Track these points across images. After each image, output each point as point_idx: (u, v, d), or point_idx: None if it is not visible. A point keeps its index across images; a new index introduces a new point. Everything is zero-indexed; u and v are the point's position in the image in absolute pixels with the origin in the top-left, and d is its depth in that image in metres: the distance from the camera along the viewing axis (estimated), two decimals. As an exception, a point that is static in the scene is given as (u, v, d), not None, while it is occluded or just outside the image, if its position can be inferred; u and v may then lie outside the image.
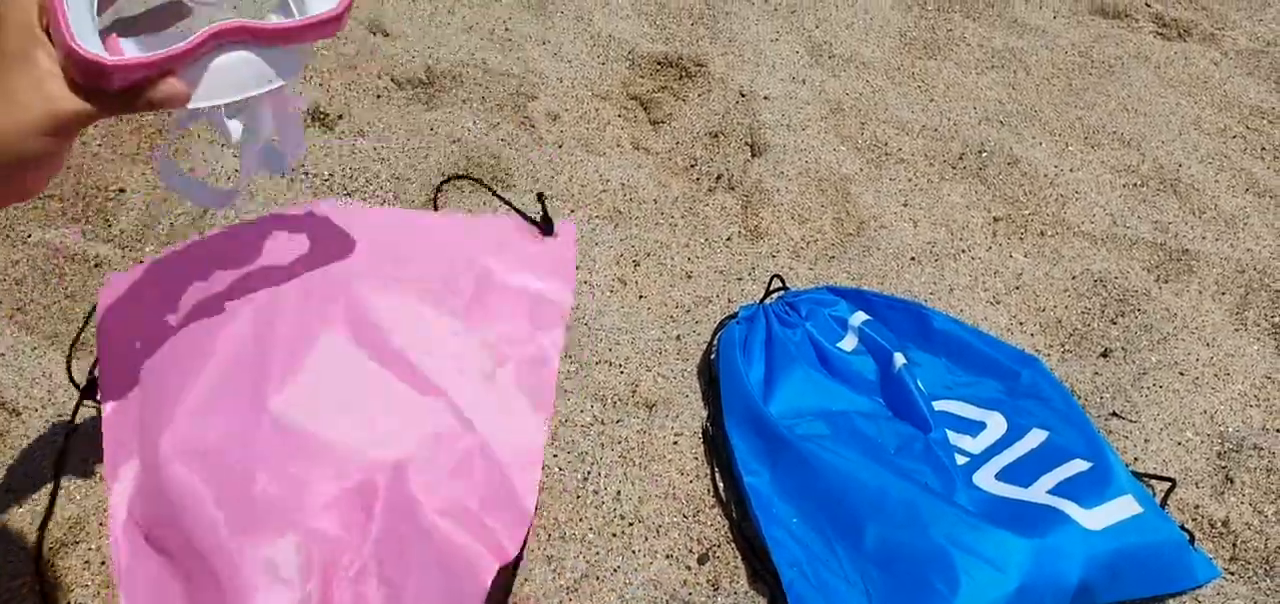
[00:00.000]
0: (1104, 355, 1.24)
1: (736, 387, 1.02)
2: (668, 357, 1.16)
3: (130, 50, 0.63)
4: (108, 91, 0.59)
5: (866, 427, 0.98)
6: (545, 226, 1.15)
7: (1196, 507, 1.03)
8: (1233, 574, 0.97)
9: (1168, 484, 1.03)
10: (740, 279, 1.28)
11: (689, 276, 1.29)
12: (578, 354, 1.14)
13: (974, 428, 1.01)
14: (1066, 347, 1.27)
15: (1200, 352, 1.22)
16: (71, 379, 0.94)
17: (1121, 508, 0.90)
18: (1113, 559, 0.87)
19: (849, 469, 0.92)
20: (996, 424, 1.01)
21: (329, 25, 0.69)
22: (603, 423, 1.05)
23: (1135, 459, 1.07)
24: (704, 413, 1.09)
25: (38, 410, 0.99)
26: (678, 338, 1.19)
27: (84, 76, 0.58)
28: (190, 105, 0.64)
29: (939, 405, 1.03)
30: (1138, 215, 1.50)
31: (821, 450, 0.94)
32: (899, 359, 1.03)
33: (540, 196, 1.17)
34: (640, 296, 1.26)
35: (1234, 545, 0.99)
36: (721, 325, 1.17)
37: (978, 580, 0.83)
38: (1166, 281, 1.37)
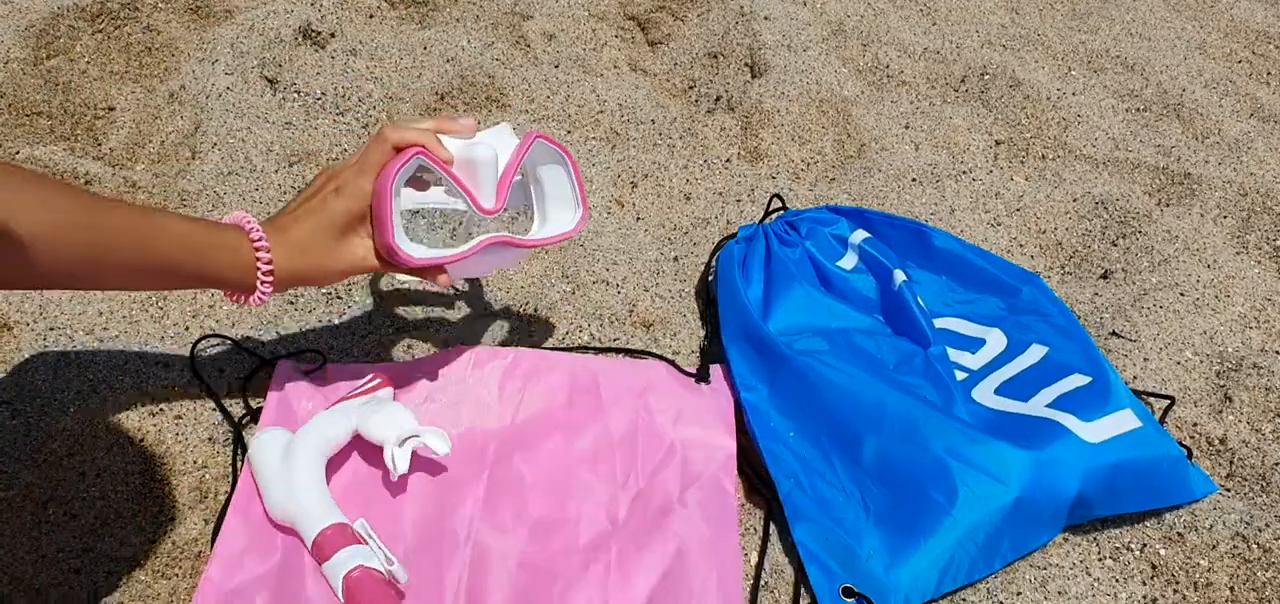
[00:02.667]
0: (1104, 277, 1.23)
1: (734, 304, 1.01)
2: (665, 278, 1.15)
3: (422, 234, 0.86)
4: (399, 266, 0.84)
5: (866, 343, 0.98)
6: (700, 376, 1.01)
7: (1194, 424, 1.03)
8: (1229, 490, 0.97)
9: (1166, 402, 1.03)
10: (739, 201, 1.27)
11: (687, 198, 1.28)
12: (574, 274, 1.13)
13: (973, 344, 1.01)
14: (1066, 268, 1.26)
15: (1201, 273, 1.22)
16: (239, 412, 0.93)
17: (1120, 422, 0.90)
18: (1111, 473, 0.87)
19: (847, 383, 0.92)
20: (996, 340, 1.01)
21: (568, 235, 0.91)
22: (600, 342, 1.05)
23: (1134, 378, 1.07)
24: (702, 333, 1.08)
25: (30, 325, 0.98)
26: (675, 259, 1.18)
27: (390, 257, 0.83)
28: (449, 279, 0.87)
29: (939, 322, 1.03)
30: (1140, 139, 1.49)
31: (820, 365, 0.94)
32: (899, 276, 1.03)
33: (703, 351, 1.07)
34: (638, 218, 1.25)
35: (1231, 462, 1.00)
36: (720, 245, 1.16)
37: (976, 492, 0.84)
38: (1168, 205, 1.36)
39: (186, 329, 1.02)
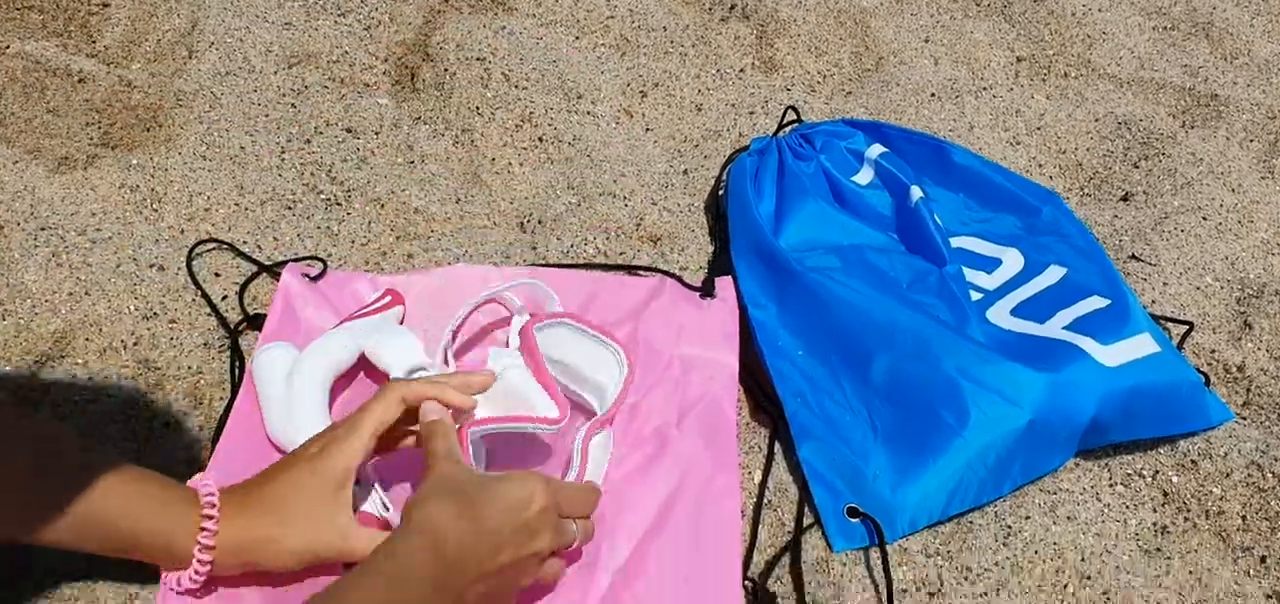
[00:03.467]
0: (1124, 199, 1.20)
1: (745, 219, 0.98)
2: (674, 191, 1.12)
3: None
4: None
5: (879, 261, 0.95)
6: (706, 289, 0.97)
7: (1212, 351, 1.00)
8: (1245, 418, 0.95)
9: (1185, 327, 1.00)
10: (752, 113, 1.23)
11: (699, 109, 1.24)
12: (581, 186, 1.10)
13: (990, 264, 0.98)
14: (1086, 190, 1.22)
15: (1224, 197, 1.18)
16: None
17: (1139, 346, 0.88)
18: (1127, 397, 0.85)
19: (859, 302, 0.90)
20: (1013, 260, 0.98)
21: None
22: (606, 256, 1.02)
23: (1153, 302, 1.04)
24: (710, 249, 1.05)
25: (20, 224, 0.96)
26: (685, 172, 1.15)
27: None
28: None
29: (955, 242, 1.00)
30: (1167, 58, 1.44)
31: (831, 283, 0.91)
32: (916, 192, 0.99)
33: (710, 264, 1.03)
34: (647, 129, 1.21)
35: (1248, 390, 0.97)
36: (732, 158, 1.12)
37: (989, 413, 0.82)
38: (1193, 127, 1.31)
39: (182, 232, 0.99)
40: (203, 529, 0.65)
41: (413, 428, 0.75)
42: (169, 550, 0.65)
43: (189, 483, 0.68)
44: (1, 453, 0.61)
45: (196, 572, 0.65)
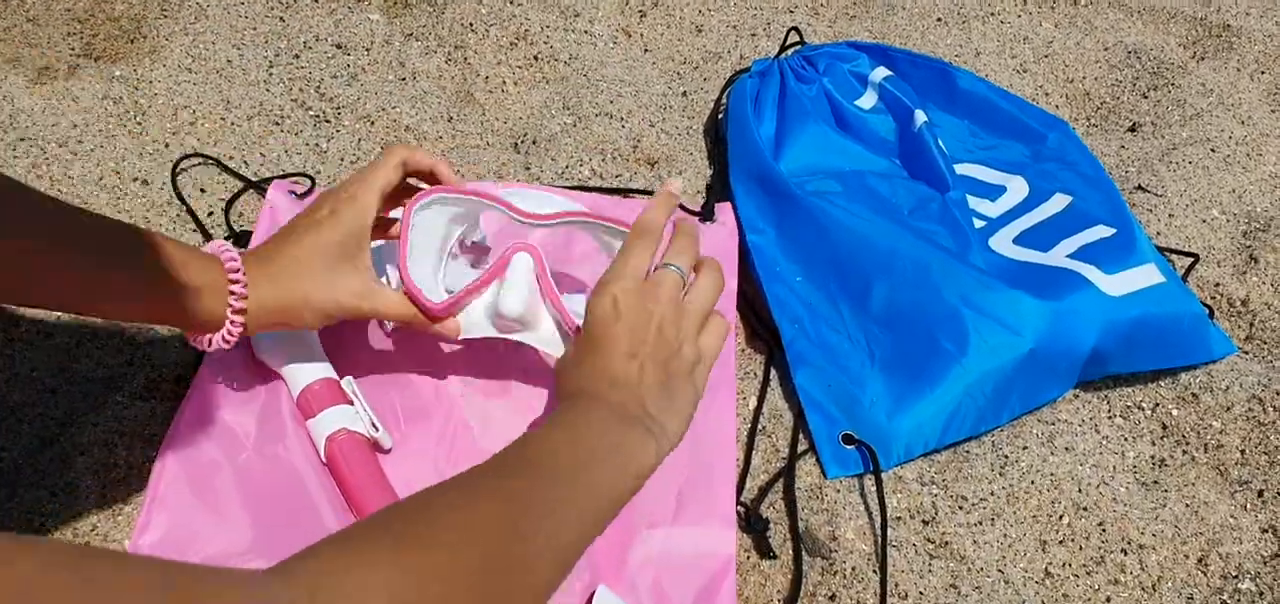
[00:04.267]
0: (1132, 130, 1.17)
1: (745, 142, 0.96)
2: (672, 113, 1.09)
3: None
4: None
5: (880, 186, 0.93)
6: (705, 213, 0.95)
7: (1217, 284, 0.99)
8: (1247, 353, 0.94)
9: (1190, 260, 0.99)
10: (754, 35, 1.20)
11: (699, 30, 1.21)
12: (577, 106, 1.07)
13: (993, 192, 0.96)
14: (1093, 120, 1.20)
15: (1234, 129, 1.16)
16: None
17: (1143, 276, 0.86)
18: (1130, 327, 0.84)
19: (859, 227, 0.88)
20: (1017, 188, 0.96)
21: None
22: (602, 178, 1.00)
23: (1158, 234, 1.02)
24: (709, 173, 1.03)
25: None
26: (684, 94, 1.12)
27: (407, 293, 0.72)
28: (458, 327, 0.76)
29: (959, 168, 0.97)
30: (1179, -13, 1.40)
31: (831, 208, 0.89)
32: (920, 117, 0.97)
33: (709, 188, 1.00)
34: (645, 50, 1.18)
35: (1251, 324, 0.96)
36: (732, 80, 1.09)
37: (989, 341, 0.80)
38: (1203, 58, 1.28)
39: (166, 145, 0.97)
40: (232, 291, 0.65)
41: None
42: (198, 314, 0.65)
43: (205, 249, 0.67)
44: (22, 216, 0.59)
45: (230, 333, 0.66)
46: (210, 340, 0.67)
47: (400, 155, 0.72)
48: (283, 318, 0.69)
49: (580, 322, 0.75)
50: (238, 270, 0.66)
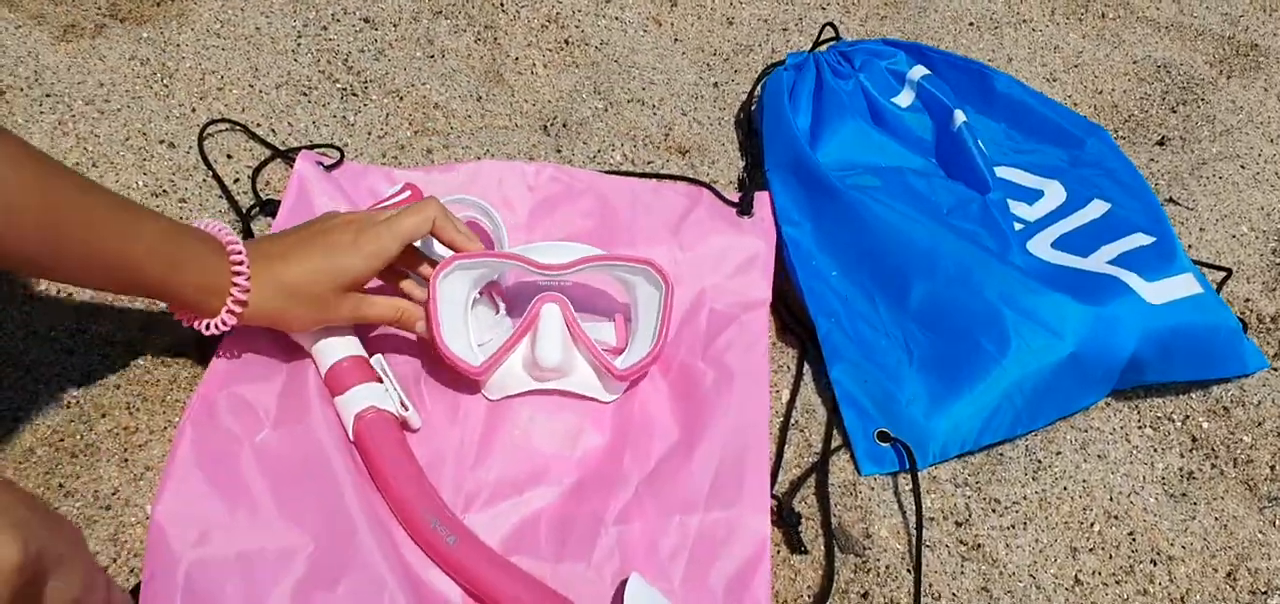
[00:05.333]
0: (1160, 144, 1.17)
1: (782, 133, 0.95)
2: (704, 103, 1.08)
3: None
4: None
5: (919, 184, 0.92)
6: (743, 207, 0.94)
7: (1247, 300, 0.98)
8: (1278, 369, 0.93)
9: (1223, 274, 0.98)
10: (785, 29, 1.19)
11: (730, 22, 1.20)
12: (608, 92, 1.06)
13: (1031, 196, 0.95)
14: (1121, 132, 1.19)
15: (1263, 147, 1.15)
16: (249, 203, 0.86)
17: (1182, 285, 0.85)
18: (1168, 336, 0.83)
19: (899, 223, 0.87)
20: (1055, 192, 0.95)
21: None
22: (633, 163, 0.99)
23: (1190, 247, 1.02)
24: (741, 164, 1.02)
25: (24, 90, 0.92)
26: (715, 85, 1.11)
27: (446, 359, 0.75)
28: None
29: (996, 172, 0.96)
30: (1206, 5, 1.40)
31: (871, 201, 0.88)
32: (959, 117, 0.96)
33: (743, 181, 0.98)
34: (675, 40, 1.17)
35: (1281, 341, 0.96)
36: (766, 72, 1.08)
37: (1030, 343, 0.79)
38: (1232, 76, 1.28)
39: (193, 110, 0.95)
40: (234, 285, 0.66)
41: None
42: (195, 305, 0.66)
43: (211, 229, 0.67)
44: (29, 187, 0.58)
45: (223, 323, 0.67)
46: (204, 323, 0.67)
47: (434, 213, 0.73)
48: (271, 324, 0.71)
49: (615, 361, 0.78)
50: (241, 267, 0.66)
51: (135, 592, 0.62)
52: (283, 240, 0.70)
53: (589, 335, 0.77)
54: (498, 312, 0.82)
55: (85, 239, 0.60)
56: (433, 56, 1.07)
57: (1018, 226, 0.92)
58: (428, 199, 0.74)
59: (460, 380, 0.78)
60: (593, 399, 0.78)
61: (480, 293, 0.80)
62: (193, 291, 0.65)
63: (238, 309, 0.66)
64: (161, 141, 0.91)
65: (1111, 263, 0.86)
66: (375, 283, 0.77)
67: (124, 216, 0.62)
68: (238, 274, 0.66)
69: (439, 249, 0.79)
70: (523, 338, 0.77)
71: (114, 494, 0.69)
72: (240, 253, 0.66)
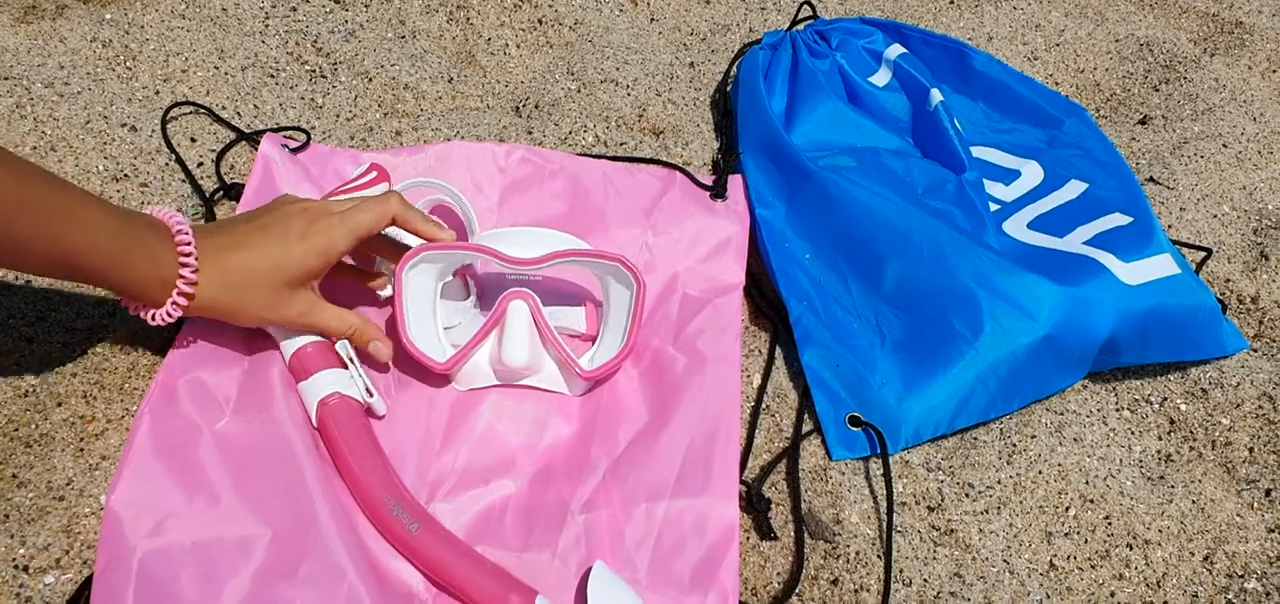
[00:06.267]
0: (1142, 122, 1.16)
1: (756, 114, 0.93)
2: (679, 84, 1.07)
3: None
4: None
5: (895, 164, 0.91)
6: (717, 190, 0.92)
7: (1227, 280, 0.97)
8: (1257, 350, 0.93)
9: (1202, 254, 0.97)
10: (763, 9, 1.18)
11: (706, 1, 1.18)
12: (581, 72, 1.04)
13: (1007, 175, 0.94)
14: (1102, 111, 1.18)
15: (1246, 126, 1.14)
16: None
17: (1160, 266, 0.84)
18: (1145, 317, 0.82)
19: (873, 204, 0.85)
20: (1032, 173, 0.94)
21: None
22: (606, 145, 0.97)
23: (1170, 227, 1.01)
24: (715, 145, 1.01)
25: None
26: (691, 65, 1.09)
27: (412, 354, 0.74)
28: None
29: (973, 152, 0.95)
30: (1191, -17, 1.38)
31: (845, 182, 0.87)
32: (936, 96, 0.95)
33: (717, 163, 0.97)
34: (651, 19, 1.15)
35: (1261, 322, 0.95)
36: (742, 52, 1.07)
37: (1004, 325, 0.78)
38: (1215, 54, 1.27)
39: (157, 93, 0.93)
40: (180, 276, 0.64)
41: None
42: (139, 293, 0.64)
43: (160, 215, 0.65)
44: None
45: (169, 314, 0.64)
46: (150, 313, 0.65)
47: (393, 208, 0.71)
48: (220, 317, 0.68)
49: (582, 360, 0.77)
50: (189, 257, 0.64)
51: (87, 583, 0.61)
52: (234, 229, 0.68)
53: (557, 327, 0.76)
54: (468, 294, 0.80)
55: (19, 229, 0.58)
56: (404, 37, 1.05)
57: (994, 207, 0.91)
58: (387, 193, 0.72)
59: (426, 368, 0.77)
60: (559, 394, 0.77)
61: (452, 274, 0.79)
62: (139, 282, 0.63)
63: (183, 302, 0.64)
64: (123, 125, 0.89)
65: (1088, 243, 0.85)
66: (354, 260, 0.76)
67: (65, 204, 0.60)
68: (185, 265, 0.64)
69: (407, 238, 0.78)
70: (489, 335, 0.75)
71: (68, 484, 0.68)
72: (188, 241, 0.64)
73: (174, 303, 0.64)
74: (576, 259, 0.75)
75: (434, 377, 0.77)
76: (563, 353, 0.75)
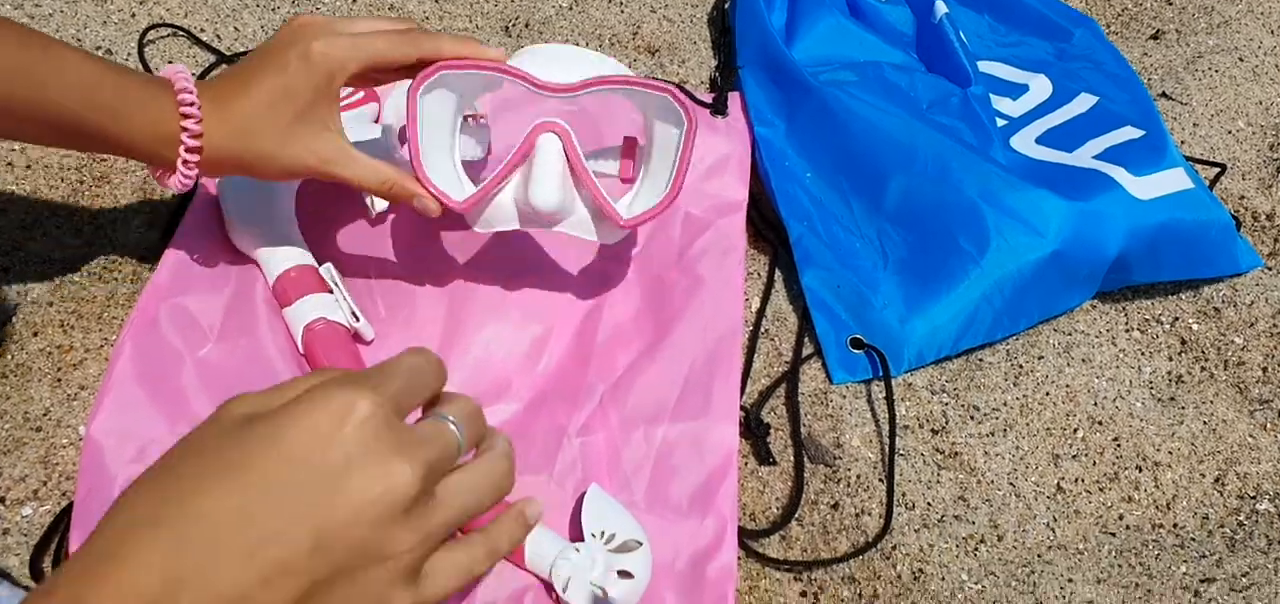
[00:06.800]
0: (1155, 37, 1.12)
1: (755, 29, 0.90)
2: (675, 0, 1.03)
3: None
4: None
5: (898, 78, 0.87)
6: (717, 107, 0.88)
7: (1241, 197, 0.94)
8: (1272, 268, 0.90)
9: (1217, 170, 0.94)
10: (761, -78, 1.13)
11: (703, -84, 1.14)
12: (573, -11, 1.01)
13: (1015, 91, 0.91)
14: (1113, 26, 1.14)
15: (1263, 39, 1.10)
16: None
17: (1172, 180, 0.81)
18: (1156, 233, 0.79)
19: (876, 119, 0.82)
20: (1041, 87, 0.90)
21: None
22: (599, 65, 0.94)
23: (1183, 143, 0.97)
24: (713, 64, 0.97)
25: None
26: (686, -18, 1.05)
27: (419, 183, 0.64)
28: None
29: (979, 66, 0.92)
30: (1208, -107, 1.33)
31: (846, 97, 0.83)
32: (940, 7, 0.91)
33: (715, 80, 0.93)
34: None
35: (1276, 239, 0.92)
36: (740, -34, 1.03)
37: (1011, 242, 0.75)
38: (1232, -35, 1.22)
39: (133, 15, 0.90)
40: (184, 129, 0.58)
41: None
42: (149, 156, 0.59)
43: (165, 73, 0.59)
44: None
45: (185, 177, 0.59)
46: (168, 178, 0.60)
47: (424, 48, 0.61)
48: (241, 170, 0.61)
49: (619, 205, 0.67)
50: (191, 108, 0.58)
51: (66, 513, 0.60)
52: (237, 72, 0.61)
53: (592, 170, 0.66)
54: (478, 142, 0.71)
55: (21, 92, 0.55)
56: (389, -44, 1.01)
57: (1001, 122, 0.88)
58: (416, 33, 0.63)
59: (416, 290, 0.75)
60: (587, 240, 0.69)
61: (462, 127, 0.69)
62: (142, 139, 0.58)
63: (193, 158, 0.59)
64: (98, 49, 0.86)
65: (1098, 157, 0.82)
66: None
67: (65, 63, 0.56)
68: (187, 115, 0.58)
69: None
70: (515, 171, 0.66)
71: (45, 415, 0.66)
72: (190, 91, 0.58)
73: (184, 162, 0.58)
74: (619, 87, 0.65)
75: (424, 299, 0.75)
76: (598, 195, 0.66)
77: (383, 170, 0.63)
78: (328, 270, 0.70)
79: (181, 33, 0.89)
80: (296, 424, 0.36)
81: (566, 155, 0.65)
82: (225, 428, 0.37)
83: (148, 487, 0.35)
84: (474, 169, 0.71)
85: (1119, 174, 0.80)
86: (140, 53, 0.86)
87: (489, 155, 0.73)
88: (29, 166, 0.77)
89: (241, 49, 0.89)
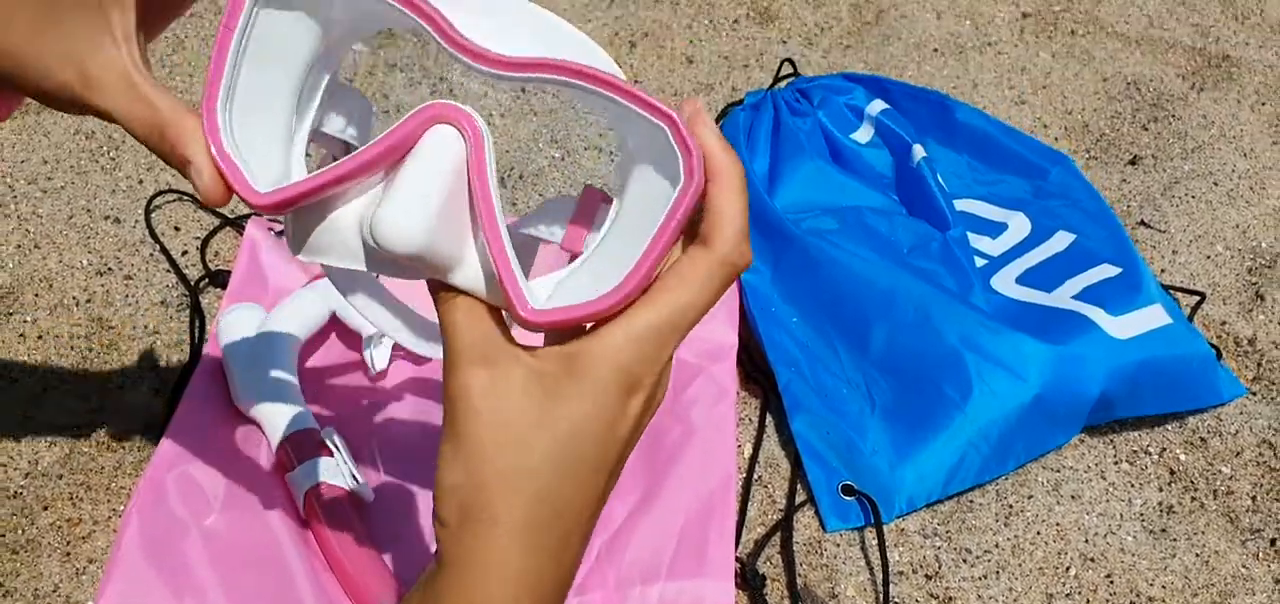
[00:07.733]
0: (1132, 163, 1.15)
1: (738, 177, 0.93)
2: (664, 145, 1.06)
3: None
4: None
5: (879, 223, 0.90)
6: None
7: (1223, 323, 0.96)
8: (1256, 394, 0.91)
9: (1196, 298, 0.96)
10: (747, 66, 1.18)
11: (690, 61, 1.18)
12: (564, 140, 1.04)
13: (995, 229, 0.94)
14: (1092, 152, 1.18)
15: (1236, 162, 1.14)
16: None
17: (1150, 317, 0.83)
18: (1137, 371, 0.81)
19: (857, 267, 0.85)
20: (1019, 225, 0.93)
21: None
22: (591, 212, 0.97)
23: (1162, 271, 1.00)
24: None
25: None
26: (675, 126, 1.09)
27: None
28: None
29: (959, 205, 0.95)
30: (1176, 17, 1.38)
31: (828, 246, 0.86)
32: (918, 151, 0.94)
33: None
34: (635, 81, 1.15)
35: (1259, 365, 0.93)
36: (725, 112, 1.07)
37: (993, 387, 0.77)
38: (1203, 89, 1.26)
39: (140, 182, 0.93)
40: None
41: None
42: None
43: None
44: None
45: None
46: None
47: None
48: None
49: (535, 291, 0.37)
50: None
51: (70, 697, 0.60)
52: None
53: (495, 216, 0.36)
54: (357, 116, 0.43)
55: None
56: (387, 111, 1.05)
57: (981, 262, 0.90)
58: None
59: (415, 448, 0.76)
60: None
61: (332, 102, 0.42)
62: None
63: None
64: (107, 217, 0.89)
65: (1076, 297, 0.85)
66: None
67: None
68: None
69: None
70: (374, 172, 0.37)
71: (55, 591, 0.67)
72: None
73: None
74: (590, 86, 0.36)
75: (427, 455, 0.76)
76: (501, 257, 0.36)
77: (157, 114, 0.38)
78: (329, 434, 0.72)
79: (187, 197, 0.92)
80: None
81: (467, 170, 0.36)
82: None
83: None
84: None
85: (1097, 315, 0.82)
86: (147, 218, 0.89)
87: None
88: (40, 337, 0.80)
89: (245, 212, 0.92)
